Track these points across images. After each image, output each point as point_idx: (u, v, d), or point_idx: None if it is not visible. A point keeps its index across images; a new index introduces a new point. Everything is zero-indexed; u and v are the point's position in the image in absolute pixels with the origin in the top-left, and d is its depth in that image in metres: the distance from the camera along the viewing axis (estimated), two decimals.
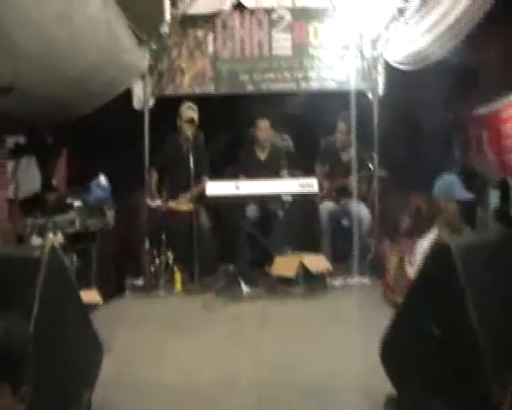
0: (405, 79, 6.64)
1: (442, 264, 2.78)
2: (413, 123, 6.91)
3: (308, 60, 7.19)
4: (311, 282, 5.44)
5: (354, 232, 6.06)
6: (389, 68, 6.82)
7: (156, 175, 6.42)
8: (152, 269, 5.86)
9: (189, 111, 6.25)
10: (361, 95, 6.85)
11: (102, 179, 6.44)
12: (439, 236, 3.26)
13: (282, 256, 5.66)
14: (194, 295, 5.59)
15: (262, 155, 6.61)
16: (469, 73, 6.59)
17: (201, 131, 6.50)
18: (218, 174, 6.45)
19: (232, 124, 7.07)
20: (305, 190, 5.68)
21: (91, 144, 7.24)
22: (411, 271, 4.66)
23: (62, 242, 5.40)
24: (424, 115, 6.92)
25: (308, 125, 7.14)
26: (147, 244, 5.79)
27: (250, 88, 7.21)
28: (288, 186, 5.78)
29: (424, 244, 4.15)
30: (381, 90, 7.01)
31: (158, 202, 5.95)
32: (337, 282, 5.77)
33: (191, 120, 6.21)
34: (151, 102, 7.03)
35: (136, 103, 7.07)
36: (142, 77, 6.99)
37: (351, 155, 6.44)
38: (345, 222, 6.40)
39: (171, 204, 6.09)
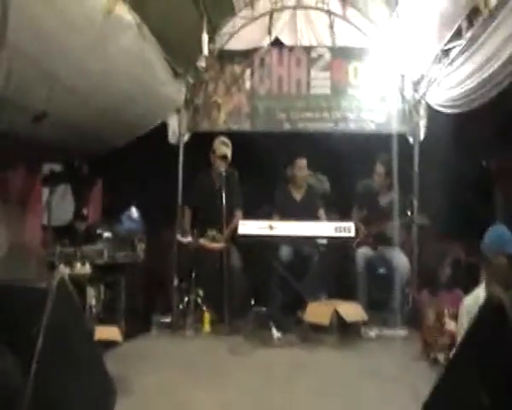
0: (447, 124, 6.41)
1: (495, 324, 2.50)
2: (454, 169, 6.65)
3: (347, 100, 7.03)
4: (344, 331, 5.12)
5: (393, 281, 5.77)
6: (431, 112, 6.60)
7: (189, 212, 6.23)
8: (180, 307, 5.62)
9: (223, 147, 6.08)
10: (401, 138, 6.65)
11: (134, 211, 6.32)
12: (491, 293, 2.98)
13: (316, 302, 5.38)
14: (223, 337, 5.34)
15: (298, 195, 6.41)
16: None
17: (235, 168, 6.28)
18: (251, 213, 6.23)
19: (267, 162, 6.87)
20: (342, 234, 5.43)
21: (125, 177, 7.17)
22: (452, 325, 4.38)
23: (89, 272, 5.27)
24: (466, 162, 6.68)
25: (345, 167, 6.90)
26: (176, 281, 5.55)
27: (287, 127, 7.10)
28: (323, 229, 5.55)
29: (470, 300, 3.86)
30: (422, 133, 6.73)
31: (189, 239, 5.73)
32: (372, 332, 5.44)
33: (224, 157, 6.01)
34: (186, 137, 6.98)
35: (172, 137, 6.99)
36: (178, 111, 6.95)
37: (389, 199, 6.17)
38: (382, 270, 6.10)
39: (202, 241, 5.87)
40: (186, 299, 5.63)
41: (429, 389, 2.67)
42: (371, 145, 6.75)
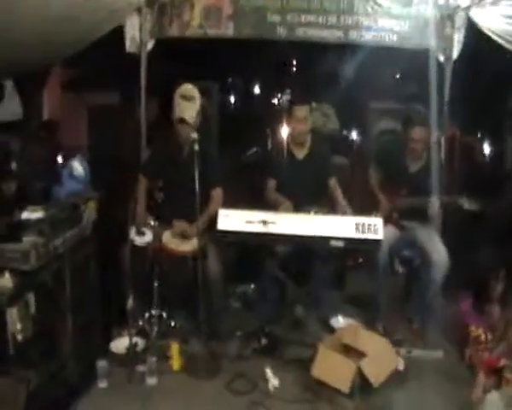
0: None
1: None
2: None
3: (361, 2, 4.45)
4: (369, 392, 3.00)
5: (425, 275, 3.61)
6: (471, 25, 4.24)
7: (145, 183, 3.76)
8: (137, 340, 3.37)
9: (183, 104, 3.48)
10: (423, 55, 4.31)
11: (76, 166, 3.90)
12: None
13: (329, 346, 3.18)
14: (198, 382, 3.18)
15: (300, 153, 3.98)
16: None
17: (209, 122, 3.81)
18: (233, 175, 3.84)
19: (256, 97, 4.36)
20: (365, 235, 3.19)
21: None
22: None
23: (11, 287, 3.06)
24: None
25: (358, 94, 4.40)
26: (130, 301, 3.22)
27: (282, 32, 4.59)
28: (339, 226, 3.26)
29: None
30: (456, 51, 4.36)
31: (147, 238, 3.35)
32: (400, 360, 3.32)
33: (183, 120, 3.47)
34: (149, 45, 4.58)
35: (130, 45, 4.57)
36: (139, 10, 4.51)
37: (421, 164, 3.82)
38: (409, 254, 3.86)
39: (166, 239, 3.47)
40: (145, 321, 3.37)
41: None
42: (391, 62, 4.27)
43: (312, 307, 3.75)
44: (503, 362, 2.95)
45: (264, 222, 3.24)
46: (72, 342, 3.48)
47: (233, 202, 3.59)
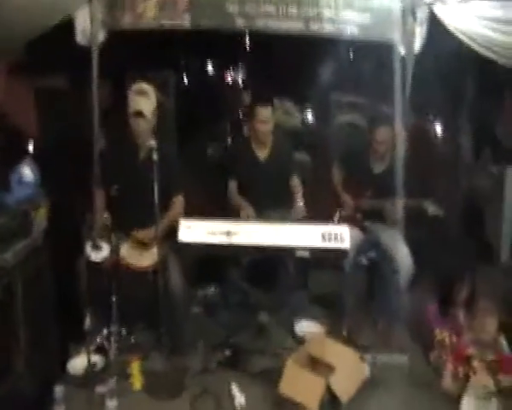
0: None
1: None
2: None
3: None
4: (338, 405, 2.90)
5: (389, 278, 3.52)
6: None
7: (103, 196, 3.48)
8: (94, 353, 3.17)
9: (138, 99, 3.22)
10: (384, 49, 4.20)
11: (26, 172, 3.60)
12: None
13: (297, 361, 3.04)
14: (162, 401, 3.01)
15: (262, 153, 3.79)
16: None
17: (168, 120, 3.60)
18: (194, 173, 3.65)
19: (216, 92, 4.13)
20: (331, 243, 3.04)
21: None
22: None
23: None
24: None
25: (320, 86, 4.21)
26: (88, 320, 2.99)
27: (240, 23, 4.30)
28: (305, 236, 3.11)
29: None
30: (418, 44, 4.18)
31: (104, 252, 3.11)
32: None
33: (139, 113, 3.22)
34: (101, 37, 4.17)
35: (81, 38, 4.14)
36: (89, 0, 4.08)
37: (385, 166, 3.70)
38: (370, 254, 3.76)
39: (125, 253, 3.24)
40: (103, 338, 3.17)
41: None
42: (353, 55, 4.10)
43: (277, 312, 3.64)
44: (471, 351, 3.02)
45: (228, 233, 3.06)
46: (25, 361, 3.25)
47: (193, 202, 3.44)
